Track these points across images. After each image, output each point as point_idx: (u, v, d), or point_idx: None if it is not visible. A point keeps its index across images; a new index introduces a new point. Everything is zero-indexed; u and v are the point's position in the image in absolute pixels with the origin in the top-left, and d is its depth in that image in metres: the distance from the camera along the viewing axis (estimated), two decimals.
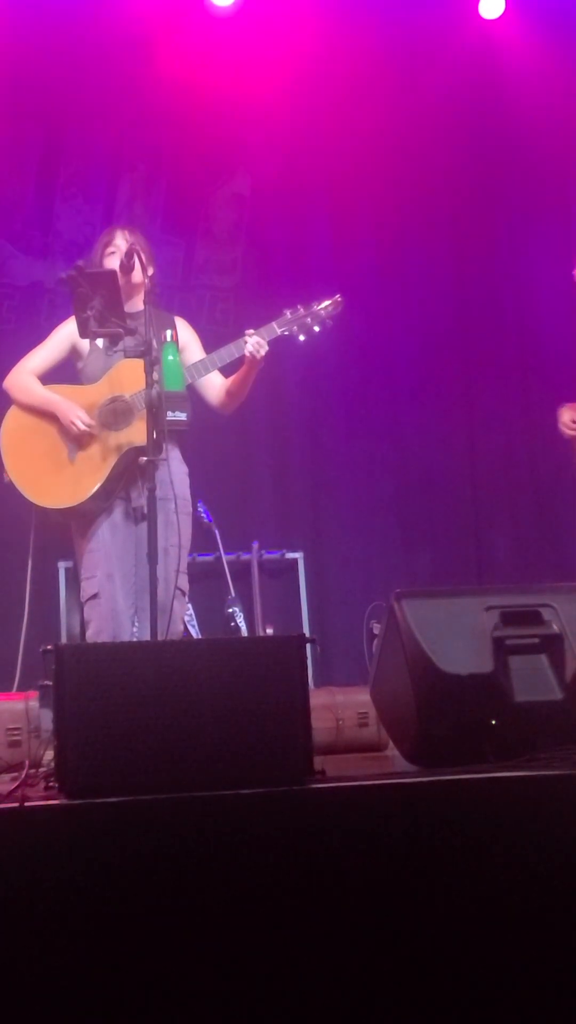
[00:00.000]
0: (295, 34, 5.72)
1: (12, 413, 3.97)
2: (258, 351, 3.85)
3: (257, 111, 5.94)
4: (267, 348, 3.87)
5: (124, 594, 3.84)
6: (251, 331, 3.89)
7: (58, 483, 3.86)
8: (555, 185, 6.22)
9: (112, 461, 3.82)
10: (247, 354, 3.87)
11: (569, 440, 4.92)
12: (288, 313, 3.96)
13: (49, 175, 5.72)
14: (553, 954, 2.20)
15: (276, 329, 3.93)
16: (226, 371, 4.01)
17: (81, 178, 5.75)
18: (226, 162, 5.97)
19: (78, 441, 3.87)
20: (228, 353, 3.92)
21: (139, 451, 3.68)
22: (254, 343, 3.85)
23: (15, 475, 3.89)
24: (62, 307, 4.06)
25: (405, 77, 5.94)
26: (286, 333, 3.96)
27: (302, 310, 3.98)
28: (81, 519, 3.90)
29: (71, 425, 3.84)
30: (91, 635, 3.87)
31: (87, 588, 3.87)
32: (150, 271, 3.97)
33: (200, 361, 3.96)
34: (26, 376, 3.99)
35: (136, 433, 3.77)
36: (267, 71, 5.80)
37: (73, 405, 3.87)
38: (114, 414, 3.86)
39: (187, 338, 4.05)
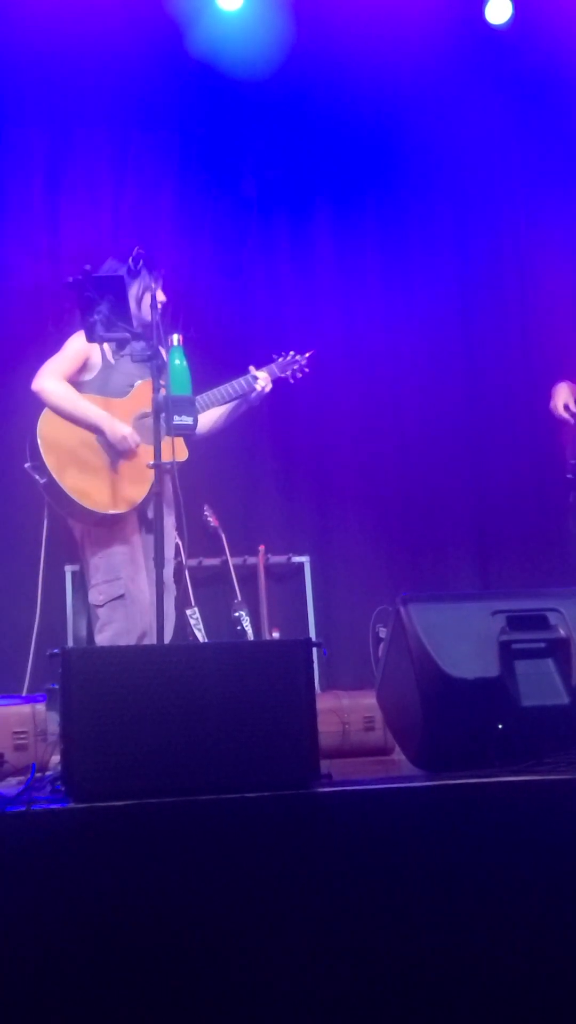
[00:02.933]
0: (297, 32, 5.72)
1: (48, 417, 4.03)
2: (267, 388, 4.28)
3: (261, 113, 5.95)
4: (271, 386, 4.31)
5: (145, 596, 3.98)
6: (256, 368, 4.29)
7: (105, 489, 3.97)
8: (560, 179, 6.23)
9: (151, 472, 3.89)
10: (259, 390, 4.25)
11: (559, 422, 4.78)
12: (280, 358, 4.45)
13: (54, 178, 5.73)
14: (558, 958, 2.20)
15: (277, 372, 4.39)
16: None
17: (87, 181, 5.75)
18: (232, 165, 5.97)
19: (121, 452, 3.99)
20: (240, 387, 4.25)
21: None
22: (265, 381, 4.27)
23: (59, 475, 3.94)
24: (68, 311, 4.07)
25: (406, 77, 5.95)
26: (287, 374, 4.45)
27: (293, 355, 4.48)
28: (114, 525, 4.00)
29: (121, 442, 3.97)
30: (111, 636, 3.93)
31: (110, 590, 3.98)
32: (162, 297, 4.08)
33: (210, 394, 4.18)
34: (65, 385, 4.06)
35: (166, 450, 3.84)
36: (270, 71, 5.79)
37: (118, 422, 4.00)
38: (147, 428, 3.96)
39: None
